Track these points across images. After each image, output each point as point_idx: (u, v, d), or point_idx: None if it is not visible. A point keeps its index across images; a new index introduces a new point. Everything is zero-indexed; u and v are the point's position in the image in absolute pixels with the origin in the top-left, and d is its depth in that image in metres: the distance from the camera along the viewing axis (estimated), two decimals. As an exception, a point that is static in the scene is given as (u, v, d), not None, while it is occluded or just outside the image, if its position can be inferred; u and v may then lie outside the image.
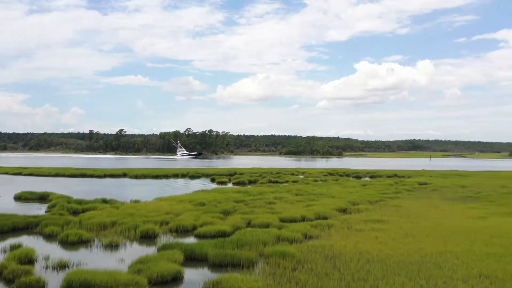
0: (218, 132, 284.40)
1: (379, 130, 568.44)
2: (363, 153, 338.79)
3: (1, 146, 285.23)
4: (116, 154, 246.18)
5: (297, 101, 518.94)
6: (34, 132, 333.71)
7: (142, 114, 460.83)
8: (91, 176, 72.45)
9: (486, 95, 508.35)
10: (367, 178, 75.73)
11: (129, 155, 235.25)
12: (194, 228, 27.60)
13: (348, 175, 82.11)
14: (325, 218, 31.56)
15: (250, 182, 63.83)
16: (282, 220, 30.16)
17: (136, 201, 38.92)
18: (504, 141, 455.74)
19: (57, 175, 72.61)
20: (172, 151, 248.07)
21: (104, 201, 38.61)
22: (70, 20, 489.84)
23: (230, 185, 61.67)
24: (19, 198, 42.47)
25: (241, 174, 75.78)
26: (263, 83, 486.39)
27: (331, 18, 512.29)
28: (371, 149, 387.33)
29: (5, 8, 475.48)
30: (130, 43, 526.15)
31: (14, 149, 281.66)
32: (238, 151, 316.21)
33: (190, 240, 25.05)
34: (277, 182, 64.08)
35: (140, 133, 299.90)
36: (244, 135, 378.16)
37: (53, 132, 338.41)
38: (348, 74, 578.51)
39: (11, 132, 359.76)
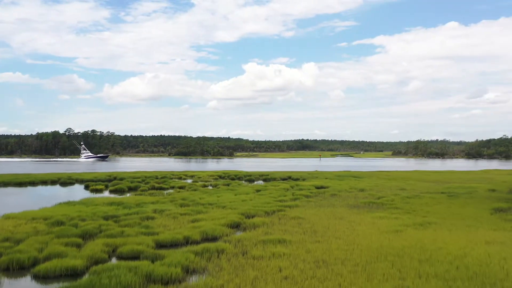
0: (102, 133, 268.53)
1: (268, 130, 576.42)
2: (254, 153, 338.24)
3: None
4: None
5: (187, 101, 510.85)
6: None
7: (22, 114, 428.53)
8: None
9: (366, 97, 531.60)
10: (260, 182, 70.70)
11: (1, 157, 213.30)
12: (35, 263, 20.17)
13: (240, 178, 76.68)
14: (214, 239, 25.49)
15: (130, 189, 55.94)
16: (159, 245, 23.78)
17: (-26, 221, 30.23)
18: (384, 140, 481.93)
19: None
20: (51, 153, 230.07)
21: None
22: None
23: (106, 193, 53.49)
24: None
25: (121, 179, 67.42)
26: (152, 82, 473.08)
27: (219, 18, 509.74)
28: (262, 149, 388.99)
29: None
30: (7, 38, 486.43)
31: None
32: (125, 152, 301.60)
33: (22, 285, 17.67)
34: (161, 188, 56.84)
35: (21, 134, 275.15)
36: (131, 135, 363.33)
37: None
38: (237, 74, 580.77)
39: None
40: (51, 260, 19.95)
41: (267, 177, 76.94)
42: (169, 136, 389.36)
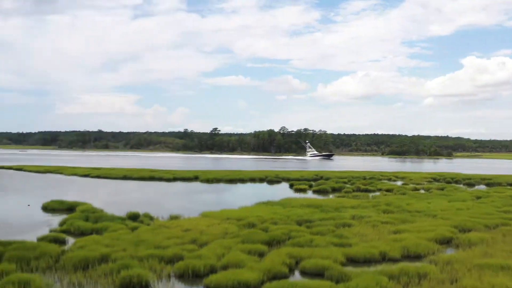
0: (315, 131, 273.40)
1: (492, 128, 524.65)
2: (477, 153, 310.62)
3: (103, 145, 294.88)
4: (211, 153, 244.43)
5: (400, 98, 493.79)
6: (137, 131, 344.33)
7: (244, 114, 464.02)
8: (160, 179, 65.89)
9: None
10: (482, 187, 62.21)
11: (223, 154, 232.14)
12: (211, 271, 18.47)
13: (457, 182, 68.78)
14: (416, 257, 21.19)
15: (333, 190, 53.47)
16: (350, 259, 20.42)
17: (175, 218, 30.67)
18: None
19: (125, 177, 66.94)
20: (267, 150, 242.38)
21: (133, 217, 30.81)
22: (172, 23, 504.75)
23: (309, 193, 51.88)
24: (46, 208, 35.85)
25: (326, 179, 65.51)
26: (364, 80, 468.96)
27: (431, 12, 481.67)
28: (486, 149, 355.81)
29: (112, 13, 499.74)
30: (230, 44, 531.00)
31: (116, 148, 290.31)
32: (337, 151, 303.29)
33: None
34: (367, 190, 53.21)
35: (243, 133, 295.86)
36: (344, 134, 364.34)
37: (156, 131, 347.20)
38: (454, 70, 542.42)
39: (117, 131, 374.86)
40: (227, 270, 18.13)
41: (490, 182, 67.56)
42: (382, 135, 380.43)
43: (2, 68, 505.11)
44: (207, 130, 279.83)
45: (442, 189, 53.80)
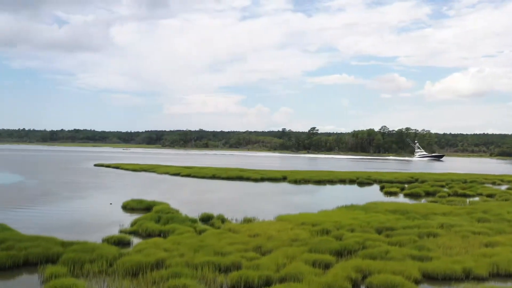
0: (417, 131, 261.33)
1: None
2: None
3: (203, 144, 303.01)
4: (308, 152, 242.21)
5: None
6: (238, 130, 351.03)
7: (347, 113, 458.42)
8: (248, 179, 65.28)
9: None
10: None
11: (320, 154, 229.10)
12: (266, 283, 16.95)
13: None
14: (508, 276, 18.24)
15: (427, 194, 49.63)
16: (427, 276, 18.21)
17: (248, 221, 29.57)
18: None
19: (213, 177, 67.11)
20: (366, 150, 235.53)
21: (205, 218, 30.19)
22: (278, 23, 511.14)
23: (400, 197, 48.62)
24: (125, 207, 36.18)
25: (421, 182, 61.41)
26: (476, 77, 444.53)
27: None
28: None
29: (221, 16, 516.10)
30: (335, 42, 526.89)
31: (215, 147, 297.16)
32: (442, 151, 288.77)
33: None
34: (464, 195, 48.82)
35: (346, 131, 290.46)
36: (450, 133, 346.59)
37: (256, 130, 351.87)
38: None
39: (218, 131, 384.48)
40: (283, 283, 16.50)
41: None
42: (493, 135, 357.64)
43: (117, 71, 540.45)
44: (308, 129, 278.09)
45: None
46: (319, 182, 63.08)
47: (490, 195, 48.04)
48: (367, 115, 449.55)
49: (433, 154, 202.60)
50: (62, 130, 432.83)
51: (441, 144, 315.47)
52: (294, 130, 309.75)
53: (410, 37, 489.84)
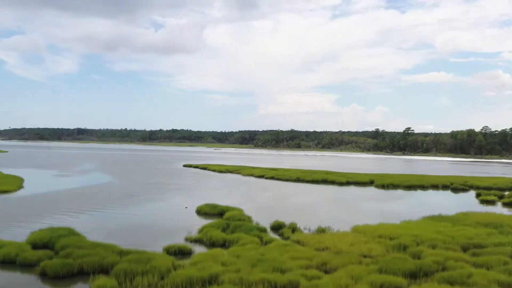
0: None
1: None
2: None
3: (295, 144, 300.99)
4: (403, 154, 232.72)
5: None
6: (331, 130, 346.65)
7: (446, 112, 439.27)
8: (333, 182, 63.02)
9: None
10: None
11: (416, 155, 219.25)
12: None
13: None
14: None
15: (531, 204, 44.94)
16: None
17: (321, 231, 27.78)
18: None
19: (297, 180, 65.46)
20: (466, 152, 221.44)
21: (276, 227, 28.85)
22: (370, 21, 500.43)
23: (498, 206, 44.29)
24: (199, 211, 35.63)
25: (526, 189, 56.03)
26: None
27: None
28: None
29: (312, 15, 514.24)
30: (430, 39, 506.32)
31: (307, 147, 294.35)
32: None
33: None
34: None
35: (446, 131, 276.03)
36: None
37: (350, 130, 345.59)
38: None
39: (311, 130, 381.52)
40: (339, 311, 14.68)
41: None
42: None
43: (212, 72, 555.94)
44: (403, 129, 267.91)
45: None
46: (409, 187, 59.41)
47: None
48: (468, 114, 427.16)
49: None
50: (160, 130, 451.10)
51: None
52: (388, 130, 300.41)
53: None
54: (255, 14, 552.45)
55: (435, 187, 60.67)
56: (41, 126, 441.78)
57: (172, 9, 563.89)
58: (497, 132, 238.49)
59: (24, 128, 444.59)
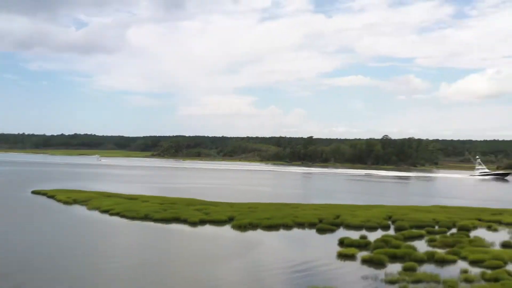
0: (421, 140, 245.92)
1: None
2: None
3: (196, 152, 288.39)
4: (302, 164, 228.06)
5: None
6: (247, 133, 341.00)
7: (361, 114, 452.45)
8: (185, 221, 52.67)
9: None
10: None
11: (316, 166, 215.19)
12: None
13: None
14: None
15: (395, 258, 36.76)
16: None
17: None
18: None
19: (145, 217, 54.25)
20: (364, 161, 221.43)
21: None
22: (298, 24, 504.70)
23: (357, 262, 35.75)
24: None
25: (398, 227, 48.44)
26: (493, 78, 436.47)
27: None
28: None
29: (241, 17, 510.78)
30: (353, 43, 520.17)
31: (208, 156, 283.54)
32: (447, 161, 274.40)
33: None
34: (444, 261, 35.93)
35: (359, 133, 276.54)
36: (459, 140, 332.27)
37: (272, 135, 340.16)
38: None
39: (218, 136, 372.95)
40: None
41: None
42: (503, 142, 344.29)
43: (135, 73, 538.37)
44: (322, 130, 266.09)
45: None
46: (270, 227, 50.22)
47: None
48: (381, 117, 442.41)
49: (497, 172, 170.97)
50: (62, 135, 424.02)
51: (447, 153, 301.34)
52: (303, 133, 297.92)
53: (431, 37, 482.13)
54: (183, 14, 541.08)
55: (300, 225, 52.01)
56: None
57: (98, 8, 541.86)
58: (396, 140, 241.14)
59: None
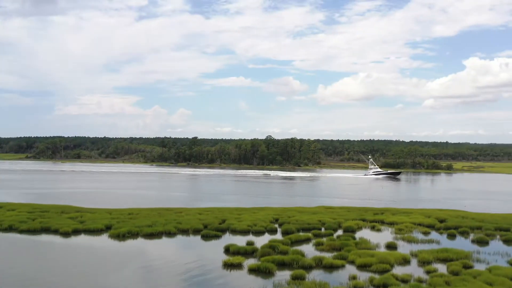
0: (303, 140, 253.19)
1: (492, 130, 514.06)
2: (478, 163, 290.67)
3: (75, 154, 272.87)
4: (188, 165, 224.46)
5: (401, 100, 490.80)
6: (130, 133, 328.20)
7: (244, 115, 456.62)
8: (56, 232, 47.40)
9: None
10: None
11: (201, 166, 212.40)
12: None
13: (463, 233, 50.64)
14: None
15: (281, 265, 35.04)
16: None
17: None
18: None
19: (10, 228, 48.28)
20: (249, 162, 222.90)
21: None
22: (176, 24, 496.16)
23: (244, 271, 33.52)
24: None
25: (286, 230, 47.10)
26: (365, 82, 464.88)
27: (437, 12, 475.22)
28: (487, 158, 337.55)
29: (117, 15, 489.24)
30: (232, 45, 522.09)
31: (89, 157, 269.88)
32: (329, 160, 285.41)
33: None
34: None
35: (243, 133, 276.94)
36: (338, 140, 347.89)
37: (156, 135, 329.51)
38: (456, 71, 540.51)
39: (100, 137, 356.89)
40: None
41: None
42: (378, 141, 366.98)
43: (5, 69, 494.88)
44: (207, 130, 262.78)
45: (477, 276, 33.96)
46: (152, 235, 46.71)
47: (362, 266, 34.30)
48: (264, 117, 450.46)
49: (390, 171, 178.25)
50: None
51: (328, 152, 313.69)
52: (188, 133, 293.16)
53: (305, 41, 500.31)
54: (53, 9, 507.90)
55: (184, 232, 48.95)
56: None
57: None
58: (279, 140, 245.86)
59: None
